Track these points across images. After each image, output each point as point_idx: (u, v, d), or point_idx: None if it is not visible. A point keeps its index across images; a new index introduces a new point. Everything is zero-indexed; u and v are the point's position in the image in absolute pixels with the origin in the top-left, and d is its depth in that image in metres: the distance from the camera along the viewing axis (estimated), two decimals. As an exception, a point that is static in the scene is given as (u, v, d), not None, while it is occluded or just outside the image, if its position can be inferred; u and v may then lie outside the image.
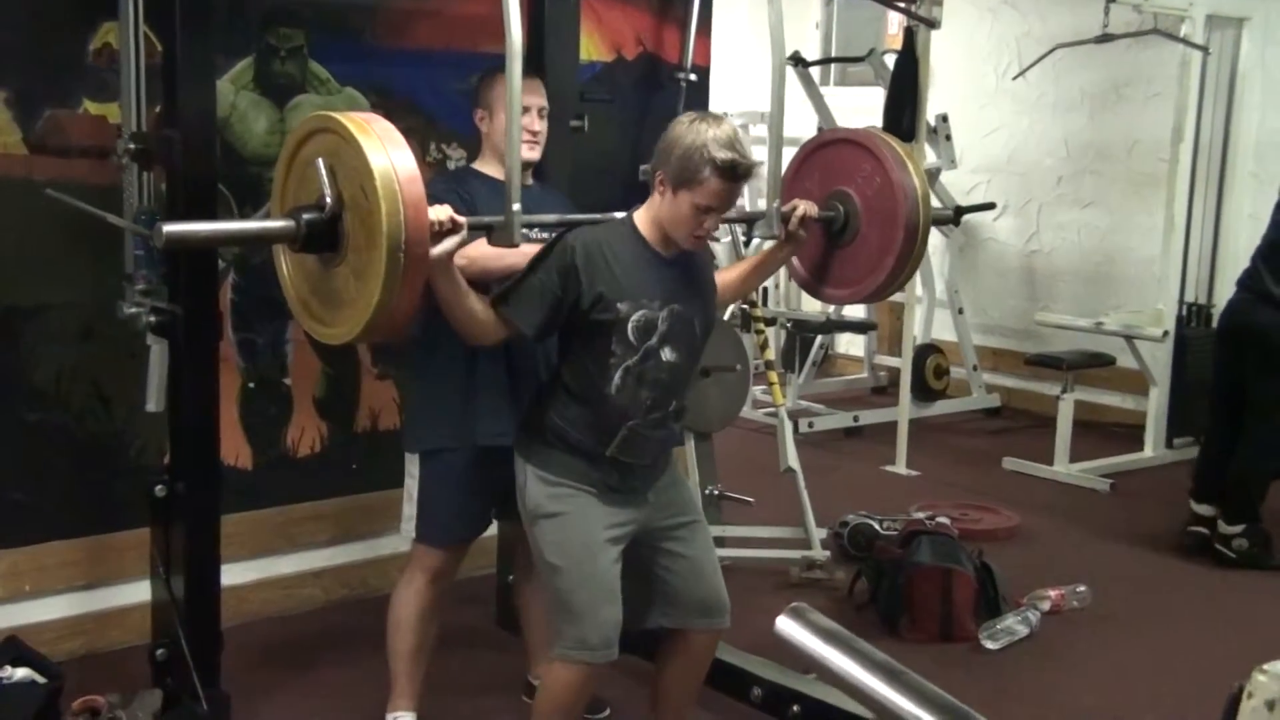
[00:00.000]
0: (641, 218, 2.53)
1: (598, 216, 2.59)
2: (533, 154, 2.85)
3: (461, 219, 2.29)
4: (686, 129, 2.42)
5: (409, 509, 2.93)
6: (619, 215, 2.58)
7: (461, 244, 2.31)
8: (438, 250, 2.24)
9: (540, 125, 2.87)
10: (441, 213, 2.24)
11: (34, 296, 3.26)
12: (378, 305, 2.08)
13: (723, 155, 2.38)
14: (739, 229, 4.68)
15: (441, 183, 2.79)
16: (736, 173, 2.40)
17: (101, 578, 3.44)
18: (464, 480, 2.87)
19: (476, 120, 2.91)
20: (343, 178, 2.14)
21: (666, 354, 2.52)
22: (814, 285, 3.06)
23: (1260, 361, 4.48)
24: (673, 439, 2.69)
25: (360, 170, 2.08)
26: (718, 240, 5.77)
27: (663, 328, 2.50)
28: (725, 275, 2.85)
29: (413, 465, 2.93)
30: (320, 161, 2.15)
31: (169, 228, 2.10)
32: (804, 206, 2.80)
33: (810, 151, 3.03)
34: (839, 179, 2.93)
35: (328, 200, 2.14)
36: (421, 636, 2.96)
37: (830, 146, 3.00)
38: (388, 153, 2.08)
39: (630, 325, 2.47)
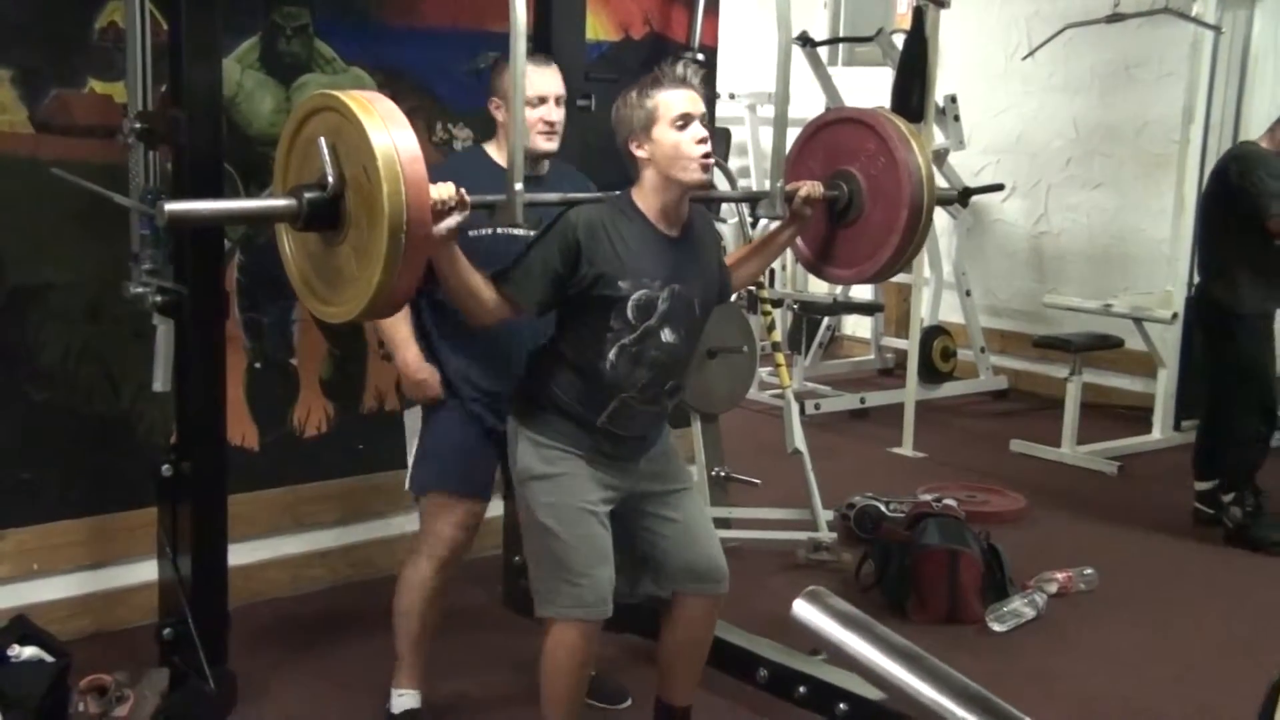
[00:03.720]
0: (639, 195, 2.53)
1: (600, 195, 2.58)
2: (550, 144, 2.81)
3: (465, 198, 2.28)
4: (618, 101, 2.54)
5: (415, 469, 2.95)
6: (615, 194, 2.57)
7: (463, 220, 2.30)
8: (438, 227, 2.23)
9: (558, 115, 2.82)
10: (444, 190, 2.24)
11: (40, 276, 3.26)
12: (379, 284, 2.07)
13: (651, 78, 2.49)
14: (745, 209, 4.68)
15: (447, 171, 2.72)
16: (675, 74, 2.49)
17: (109, 557, 3.45)
18: (464, 425, 2.88)
19: (492, 109, 2.87)
20: (345, 157, 2.13)
21: (666, 335, 2.53)
22: (818, 265, 3.04)
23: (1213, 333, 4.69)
24: (665, 415, 2.70)
25: (362, 150, 2.07)
26: (725, 221, 5.77)
27: (663, 308, 2.51)
28: (730, 261, 2.85)
29: (413, 419, 2.96)
30: (322, 140, 2.14)
31: (171, 206, 2.10)
32: (808, 187, 2.79)
33: (814, 131, 3.01)
34: (843, 159, 2.91)
35: (330, 179, 2.14)
36: (426, 622, 2.97)
37: (834, 126, 2.98)
38: (390, 132, 2.07)
39: (630, 304, 2.47)
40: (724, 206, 5.60)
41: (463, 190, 2.27)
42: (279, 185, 2.30)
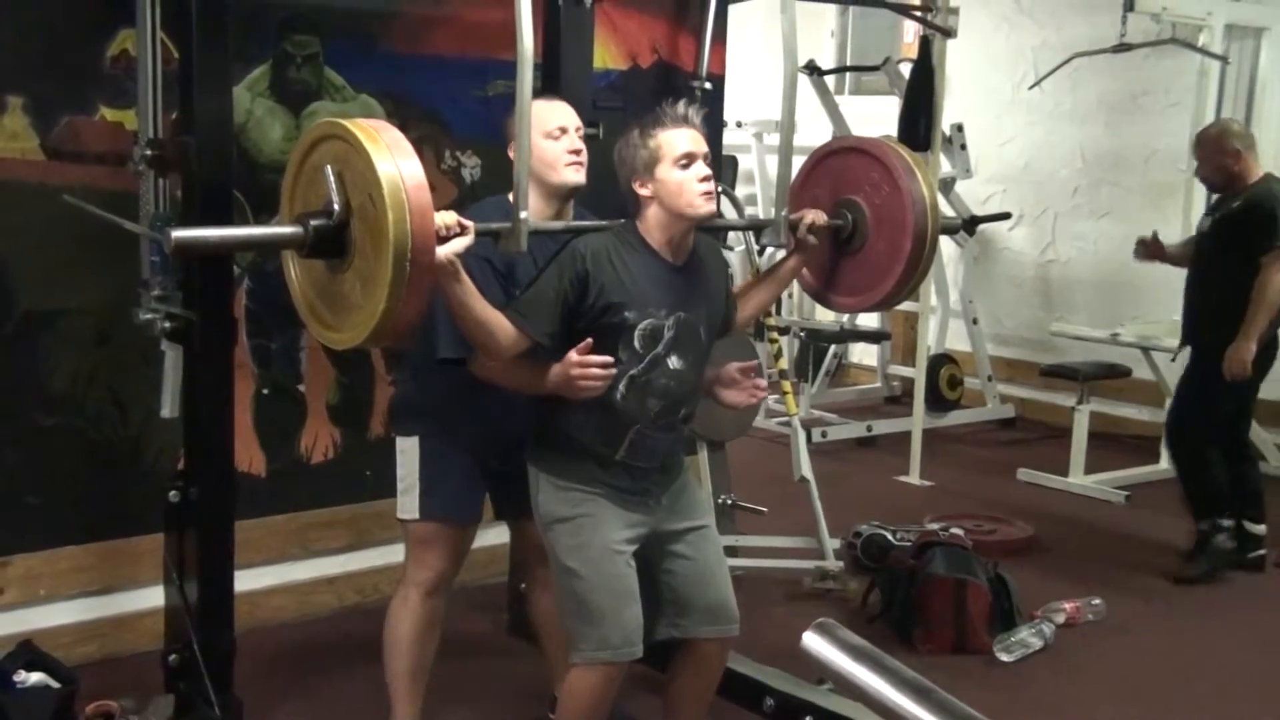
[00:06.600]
0: (643, 227, 2.54)
1: (604, 224, 2.59)
2: (579, 176, 2.68)
3: (469, 223, 2.29)
4: (620, 143, 2.54)
5: (406, 497, 2.82)
6: (620, 222, 2.57)
7: (469, 246, 2.30)
8: (443, 251, 2.23)
9: (581, 144, 2.71)
10: (448, 218, 2.25)
11: (50, 302, 3.28)
12: (384, 311, 2.09)
13: (653, 118, 2.50)
14: (751, 237, 4.69)
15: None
16: (677, 114, 2.50)
17: (116, 583, 3.46)
18: (460, 454, 2.80)
19: (512, 154, 2.69)
20: (351, 185, 2.15)
21: (673, 362, 2.53)
22: (823, 293, 3.05)
23: None
24: (681, 442, 2.69)
25: (368, 178, 2.09)
26: (732, 249, 5.78)
27: (669, 335, 2.51)
28: (740, 295, 2.85)
29: (403, 445, 2.83)
30: (328, 168, 2.16)
31: (178, 233, 2.12)
32: (811, 215, 2.80)
33: (818, 160, 3.03)
34: (847, 187, 2.92)
35: (335, 207, 2.16)
36: (419, 656, 2.88)
37: (838, 155, 3.00)
38: (395, 161, 2.09)
39: (637, 333, 2.48)
40: (731, 234, 5.62)
41: (465, 221, 2.27)
42: (286, 212, 2.32)
